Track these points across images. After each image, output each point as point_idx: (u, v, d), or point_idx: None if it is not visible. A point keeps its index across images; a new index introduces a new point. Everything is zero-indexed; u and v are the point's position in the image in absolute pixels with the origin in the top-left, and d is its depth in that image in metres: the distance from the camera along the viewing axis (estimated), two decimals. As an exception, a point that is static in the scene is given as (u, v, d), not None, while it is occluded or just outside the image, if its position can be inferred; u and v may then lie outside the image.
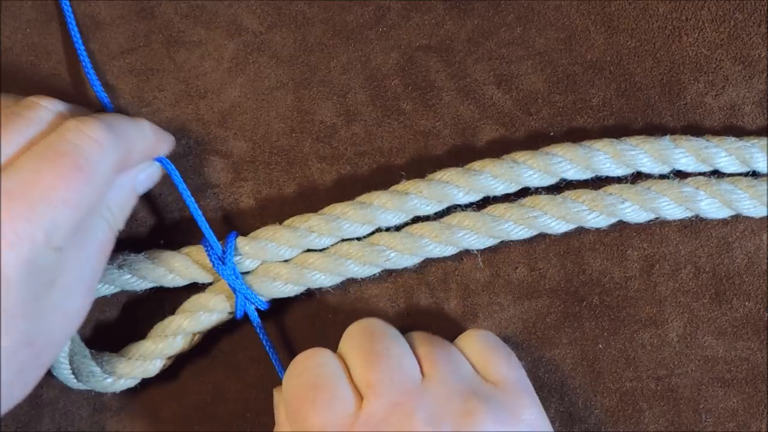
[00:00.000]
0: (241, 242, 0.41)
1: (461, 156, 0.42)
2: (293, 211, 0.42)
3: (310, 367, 0.37)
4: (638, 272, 0.42)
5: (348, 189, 0.42)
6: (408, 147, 0.43)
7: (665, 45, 0.42)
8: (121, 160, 0.37)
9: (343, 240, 0.41)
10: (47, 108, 0.37)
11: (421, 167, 0.42)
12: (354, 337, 0.39)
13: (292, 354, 0.42)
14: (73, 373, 0.40)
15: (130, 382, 0.41)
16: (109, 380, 0.40)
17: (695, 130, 0.42)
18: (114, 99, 0.43)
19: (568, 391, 0.42)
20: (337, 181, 0.43)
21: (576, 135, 0.42)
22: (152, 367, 0.41)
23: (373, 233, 0.41)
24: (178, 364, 0.42)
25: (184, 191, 0.41)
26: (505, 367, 0.38)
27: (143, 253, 0.41)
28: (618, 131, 0.42)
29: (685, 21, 0.42)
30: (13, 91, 0.42)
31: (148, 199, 0.43)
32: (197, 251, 0.41)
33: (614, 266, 0.42)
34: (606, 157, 0.40)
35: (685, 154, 0.40)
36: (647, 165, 0.40)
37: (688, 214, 0.40)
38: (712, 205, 0.40)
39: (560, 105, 0.43)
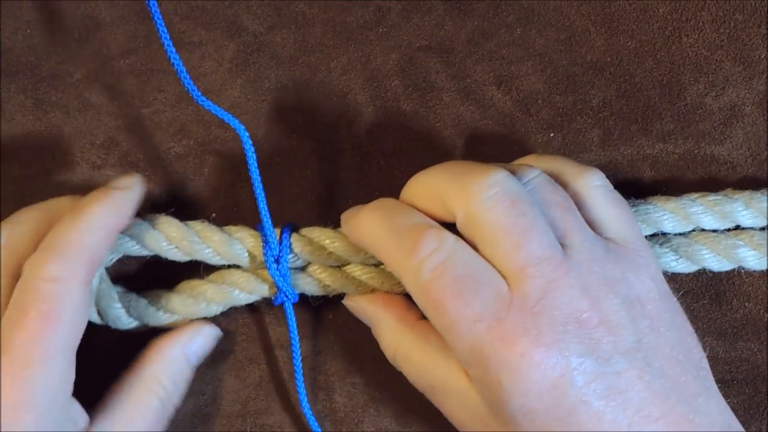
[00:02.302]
0: (296, 241, 0.40)
1: (462, 157, 0.42)
2: (294, 212, 0.42)
3: (448, 260, 0.34)
4: (638, 273, 0.42)
5: (349, 190, 0.42)
6: (408, 148, 0.43)
7: (665, 46, 0.42)
8: (86, 275, 0.36)
9: None
10: None
11: (422, 168, 0.42)
12: (490, 208, 0.35)
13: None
14: (98, 313, 0.40)
15: (137, 323, 0.41)
16: (132, 325, 0.40)
17: (695, 130, 0.42)
18: (114, 100, 0.43)
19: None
20: (338, 182, 0.43)
21: (576, 135, 0.42)
22: (174, 324, 0.41)
23: None
24: (178, 365, 0.42)
25: (256, 179, 0.39)
26: (624, 225, 0.37)
27: (191, 226, 0.40)
28: (618, 132, 0.42)
29: (685, 22, 0.42)
30: (13, 90, 0.43)
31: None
32: (250, 237, 0.40)
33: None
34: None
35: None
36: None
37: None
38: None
39: (560, 106, 0.43)
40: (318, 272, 0.41)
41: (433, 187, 0.36)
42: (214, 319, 0.42)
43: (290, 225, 0.41)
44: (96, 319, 0.40)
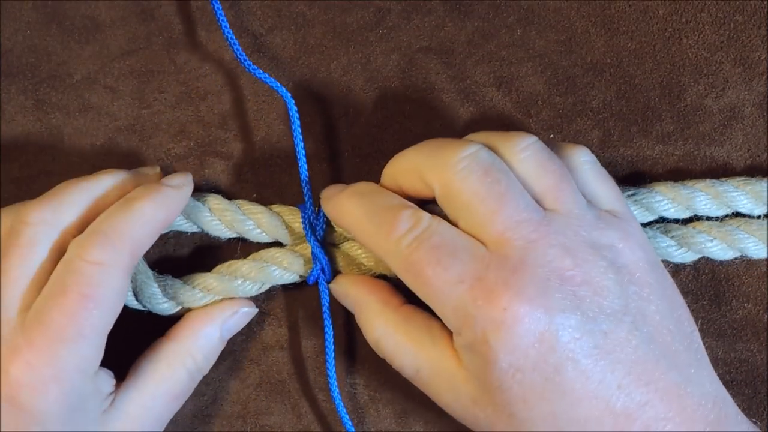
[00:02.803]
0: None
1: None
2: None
3: (424, 233, 0.35)
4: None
5: (348, 191, 0.42)
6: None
7: (665, 47, 0.42)
8: (129, 263, 0.37)
9: None
10: (35, 225, 0.37)
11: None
12: (465, 178, 0.35)
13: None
14: (134, 292, 0.40)
15: (185, 310, 0.41)
16: (166, 305, 0.40)
17: (695, 132, 0.42)
18: (114, 101, 0.43)
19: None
20: (338, 183, 0.43)
21: (576, 137, 0.42)
22: (207, 299, 0.41)
23: None
24: (178, 366, 0.42)
25: (299, 143, 0.40)
26: (613, 197, 0.38)
27: (234, 202, 0.41)
28: (618, 133, 0.42)
29: (685, 23, 0.42)
30: (14, 91, 0.43)
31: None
32: (288, 212, 0.41)
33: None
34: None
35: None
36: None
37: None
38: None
39: (560, 107, 0.43)
40: (354, 249, 0.41)
41: (412, 163, 0.37)
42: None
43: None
44: (132, 302, 0.40)
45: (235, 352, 0.43)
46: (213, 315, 0.40)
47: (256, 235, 0.41)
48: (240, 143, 0.43)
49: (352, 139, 0.43)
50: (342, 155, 0.43)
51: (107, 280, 0.36)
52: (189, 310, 0.41)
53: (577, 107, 0.43)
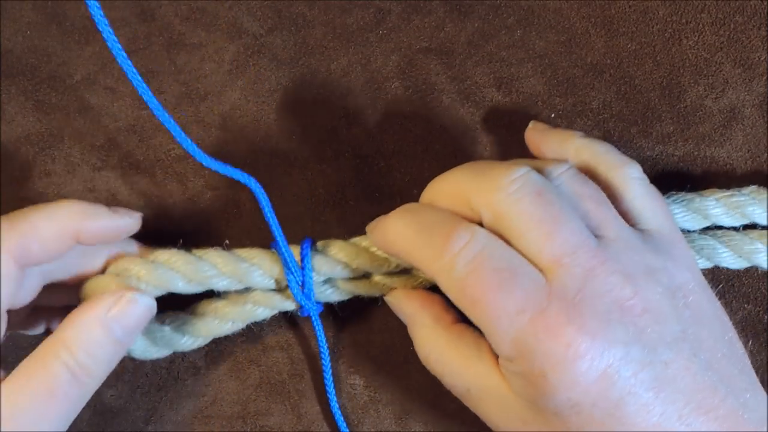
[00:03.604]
0: (318, 261, 0.39)
1: (462, 159, 0.42)
2: (294, 214, 0.42)
3: (482, 253, 0.34)
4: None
5: (349, 192, 0.42)
6: (408, 150, 0.43)
7: (665, 48, 0.42)
8: (22, 249, 0.34)
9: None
10: None
11: (422, 170, 0.42)
12: (517, 201, 0.34)
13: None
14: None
15: (165, 351, 0.39)
16: (162, 352, 0.39)
17: (695, 132, 0.42)
18: (114, 101, 0.43)
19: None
20: (338, 184, 0.43)
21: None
22: (187, 343, 0.39)
23: None
24: (177, 366, 0.42)
25: (271, 217, 0.37)
26: (661, 217, 0.36)
27: (202, 258, 0.38)
28: (618, 134, 0.42)
29: (685, 24, 0.42)
30: (14, 91, 0.43)
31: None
32: (268, 261, 0.39)
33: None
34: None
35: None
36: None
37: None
38: None
39: (560, 107, 0.43)
40: (341, 284, 0.40)
41: (456, 186, 0.36)
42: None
43: (308, 241, 0.39)
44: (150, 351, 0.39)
45: (235, 353, 0.43)
46: (92, 304, 0.36)
47: (235, 287, 0.39)
48: (240, 144, 0.43)
49: (352, 140, 0.43)
50: (342, 156, 0.43)
51: None
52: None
53: (577, 108, 0.43)
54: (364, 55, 0.43)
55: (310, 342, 0.43)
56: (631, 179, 0.37)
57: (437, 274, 0.35)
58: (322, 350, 0.41)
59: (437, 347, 0.37)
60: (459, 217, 0.35)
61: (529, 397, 0.33)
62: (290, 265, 0.38)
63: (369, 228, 0.38)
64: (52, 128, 0.43)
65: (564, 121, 0.42)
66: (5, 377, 0.34)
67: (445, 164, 0.42)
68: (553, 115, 0.43)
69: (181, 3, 0.43)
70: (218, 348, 0.43)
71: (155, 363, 0.42)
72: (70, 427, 0.42)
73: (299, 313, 0.40)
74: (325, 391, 0.42)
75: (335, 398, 0.41)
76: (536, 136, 0.39)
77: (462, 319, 0.37)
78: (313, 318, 0.40)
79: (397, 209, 0.37)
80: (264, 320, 0.40)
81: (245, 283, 0.39)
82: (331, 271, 0.39)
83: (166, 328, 0.39)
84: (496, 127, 0.43)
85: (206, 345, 0.42)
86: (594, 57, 0.43)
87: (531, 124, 0.40)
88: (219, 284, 0.38)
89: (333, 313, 0.43)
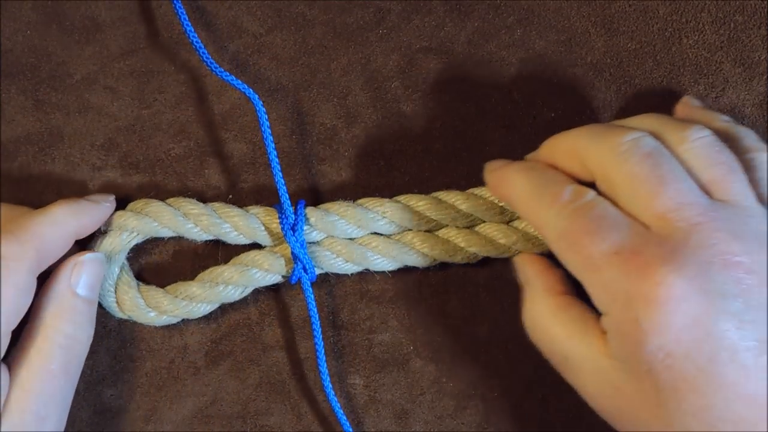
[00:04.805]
0: (311, 213, 0.41)
1: (462, 159, 0.42)
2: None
3: (588, 204, 0.35)
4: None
5: (349, 191, 0.42)
6: (408, 149, 0.43)
7: (665, 47, 0.42)
8: (34, 259, 0.37)
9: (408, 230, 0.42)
10: None
11: (422, 170, 0.42)
12: (626, 160, 0.34)
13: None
14: (117, 303, 0.41)
15: (172, 320, 0.41)
16: (152, 314, 0.41)
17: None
18: (114, 101, 0.43)
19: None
20: (338, 184, 0.43)
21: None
22: (197, 309, 0.41)
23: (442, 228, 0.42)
24: (177, 366, 0.42)
25: (272, 152, 0.40)
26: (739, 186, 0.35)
27: (209, 205, 0.41)
28: (618, 133, 0.42)
29: (685, 23, 0.42)
30: (14, 91, 0.43)
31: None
32: (265, 213, 0.41)
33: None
34: None
35: None
36: None
37: None
38: None
39: (560, 107, 0.43)
40: (335, 245, 0.41)
41: (573, 144, 0.37)
42: (215, 321, 0.42)
43: (304, 201, 0.41)
44: (116, 311, 0.41)
45: (235, 353, 0.43)
46: (57, 278, 0.39)
47: (233, 237, 0.41)
48: (240, 144, 0.43)
49: (352, 140, 0.43)
50: (342, 155, 0.43)
51: (10, 275, 0.36)
52: (174, 318, 0.41)
53: (577, 108, 0.42)
54: (364, 54, 0.43)
55: (310, 342, 0.43)
56: (764, 161, 0.36)
57: (543, 226, 0.36)
58: (312, 318, 0.41)
59: (542, 314, 0.37)
60: (572, 180, 0.36)
61: (624, 355, 0.33)
62: (283, 201, 0.40)
63: (489, 168, 0.39)
64: (52, 128, 0.43)
65: (564, 121, 0.42)
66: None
67: (445, 164, 0.42)
68: (553, 115, 0.43)
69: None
70: (218, 348, 0.43)
71: (155, 363, 0.42)
72: (71, 427, 0.42)
73: (291, 279, 0.41)
74: (324, 391, 0.42)
75: (329, 381, 0.41)
76: (684, 110, 0.40)
77: (578, 293, 0.37)
78: (303, 281, 0.41)
79: (519, 162, 0.39)
80: (268, 286, 0.41)
81: (246, 234, 0.41)
82: (325, 226, 0.41)
83: (161, 291, 0.41)
84: (497, 127, 0.43)
85: (206, 345, 0.42)
86: (594, 56, 0.43)
87: (684, 98, 0.41)
88: (230, 235, 0.41)
89: (333, 313, 0.43)
